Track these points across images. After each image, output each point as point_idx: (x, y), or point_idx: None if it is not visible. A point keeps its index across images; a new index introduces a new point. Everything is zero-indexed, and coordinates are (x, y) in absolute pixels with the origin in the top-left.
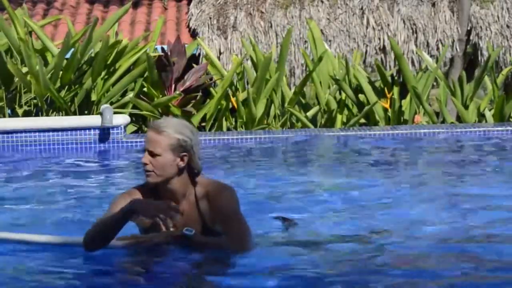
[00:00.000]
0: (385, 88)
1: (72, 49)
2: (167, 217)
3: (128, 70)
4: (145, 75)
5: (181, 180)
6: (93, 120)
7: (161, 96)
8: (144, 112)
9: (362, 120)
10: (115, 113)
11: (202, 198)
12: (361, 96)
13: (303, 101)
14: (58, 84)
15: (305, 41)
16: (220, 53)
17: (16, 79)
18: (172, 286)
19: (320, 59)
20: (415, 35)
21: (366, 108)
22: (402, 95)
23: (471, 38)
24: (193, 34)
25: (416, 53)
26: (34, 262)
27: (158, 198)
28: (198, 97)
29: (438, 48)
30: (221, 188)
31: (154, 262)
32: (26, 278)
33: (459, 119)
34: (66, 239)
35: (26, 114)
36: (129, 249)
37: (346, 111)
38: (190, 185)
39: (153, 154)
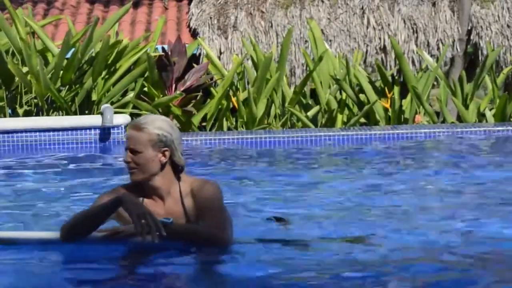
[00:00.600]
0: (386, 88)
1: (73, 49)
2: (150, 226)
3: (128, 70)
4: (145, 75)
5: (164, 176)
6: (93, 120)
7: (161, 96)
8: (144, 112)
9: (363, 120)
10: (115, 113)
11: (186, 195)
12: (361, 96)
13: (304, 101)
14: (58, 84)
15: (306, 41)
16: (221, 53)
17: (16, 79)
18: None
19: (320, 58)
20: (415, 34)
21: (366, 107)
22: (403, 95)
23: (471, 37)
24: (194, 34)
25: (417, 52)
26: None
27: (143, 197)
28: (198, 97)
29: (438, 48)
30: (204, 183)
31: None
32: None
33: (460, 118)
34: (38, 235)
35: (27, 114)
36: (108, 241)
37: (346, 111)
38: (175, 181)
39: (134, 151)
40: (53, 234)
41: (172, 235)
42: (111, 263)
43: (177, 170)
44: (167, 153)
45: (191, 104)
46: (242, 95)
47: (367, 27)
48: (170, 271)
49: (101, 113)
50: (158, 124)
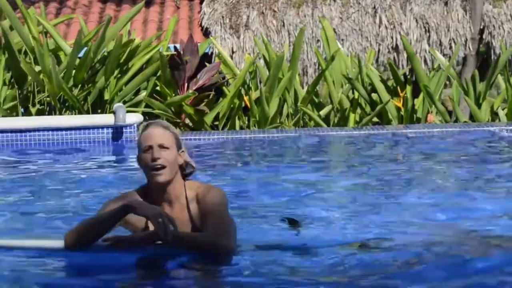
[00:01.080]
0: (398, 87)
1: (85, 48)
2: (166, 223)
3: (141, 69)
4: (158, 74)
5: (176, 181)
6: (106, 119)
7: (174, 95)
8: (157, 111)
9: (375, 119)
10: (128, 112)
11: (192, 201)
12: (374, 95)
13: (316, 100)
14: (71, 83)
15: (318, 40)
16: (233, 52)
17: (29, 78)
18: None
19: (333, 58)
20: (427, 34)
21: (379, 107)
22: (415, 94)
23: (483, 37)
24: (206, 33)
25: (429, 52)
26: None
27: (151, 203)
28: (211, 96)
29: (450, 47)
30: (209, 189)
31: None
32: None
33: (472, 118)
34: (40, 243)
35: (40, 113)
36: (113, 249)
37: (359, 110)
38: (183, 187)
39: (163, 147)
40: (57, 243)
41: (176, 242)
42: (113, 272)
43: (185, 175)
44: (183, 154)
45: (204, 103)
46: (255, 94)
47: (379, 26)
48: (173, 280)
49: (114, 112)
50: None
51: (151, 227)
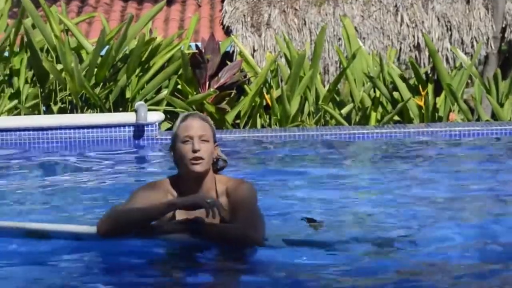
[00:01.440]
0: (420, 86)
1: (107, 47)
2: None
3: (162, 68)
4: (179, 73)
5: (210, 174)
6: (127, 117)
7: (195, 93)
8: (178, 109)
9: (397, 118)
10: (149, 110)
11: (221, 195)
12: (395, 94)
13: (337, 98)
14: (93, 81)
15: (339, 39)
16: (254, 50)
17: (51, 76)
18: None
19: (354, 56)
20: (449, 32)
21: (400, 105)
22: (437, 93)
23: (505, 35)
24: (227, 31)
25: (451, 50)
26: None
27: (180, 193)
28: (232, 95)
29: (472, 46)
30: (239, 183)
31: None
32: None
33: (494, 116)
34: (73, 228)
35: (61, 111)
36: (142, 238)
37: (380, 109)
38: (213, 180)
39: (203, 140)
40: (89, 229)
41: (205, 234)
42: (140, 262)
43: (217, 169)
44: (217, 148)
45: (225, 102)
46: (276, 93)
47: (401, 25)
48: (198, 272)
49: (135, 111)
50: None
51: (179, 218)
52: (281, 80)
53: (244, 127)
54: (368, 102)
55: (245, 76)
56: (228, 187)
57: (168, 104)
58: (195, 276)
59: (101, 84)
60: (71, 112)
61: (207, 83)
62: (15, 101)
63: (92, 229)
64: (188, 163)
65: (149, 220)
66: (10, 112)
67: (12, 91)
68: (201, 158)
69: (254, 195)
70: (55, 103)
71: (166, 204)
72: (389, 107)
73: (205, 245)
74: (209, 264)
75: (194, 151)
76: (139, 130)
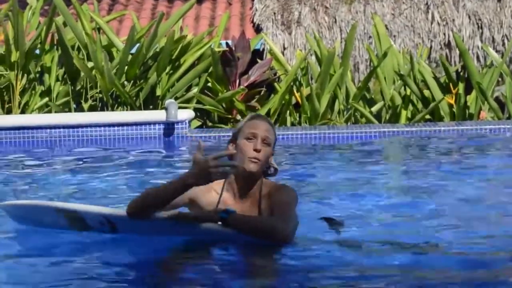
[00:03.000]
0: (450, 84)
1: (138, 44)
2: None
3: (192, 65)
4: (209, 70)
5: (260, 177)
6: (158, 115)
7: (225, 91)
8: (208, 107)
9: (427, 116)
10: (179, 108)
11: (264, 197)
12: (426, 92)
13: (368, 96)
14: (123, 79)
15: (370, 37)
16: (284, 48)
17: (82, 74)
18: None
19: (385, 54)
20: (480, 30)
21: (433, 104)
22: (468, 91)
23: None
24: (257, 29)
25: (482, 48)
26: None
27: (223, 190)
28: (262, 92)
29: (503, 44)
30: (281, 186)
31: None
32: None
33: None
34: (103, 209)
35: (92, 108)
36: (174, 222)
37: (410, 107)
38: (260, 184)
39: (266, 143)
40: (119, 211)
41: (235, 224)
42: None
43: (267, 174)
44: (272, 157)
45: (255, 100)
46: (306, 91)
47: (432, 23)
48: (220, 265)
49: (166, 108)
50: None
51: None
52: (311, 78)
53: (274, 124)
54: (398, 100)
55: (275, 74)
56: (270, 190)
57: (198, 102)
58: (207, 273)
59: (132, 82)
60: (102, 110)
61: (237, 81)
62: (46, 99)
63: (122, 211)
64: (246, 160)
65: (173, 194)
66: (41, 109)
67: (43, 89)
68: (259, 160)
69: (293, 198)
70: (86, 101)
71: (179, 183)
72: (420, 105)
73: (229, 240)
74: (227, 258)
75: (256, 150)
76: (169, 128)
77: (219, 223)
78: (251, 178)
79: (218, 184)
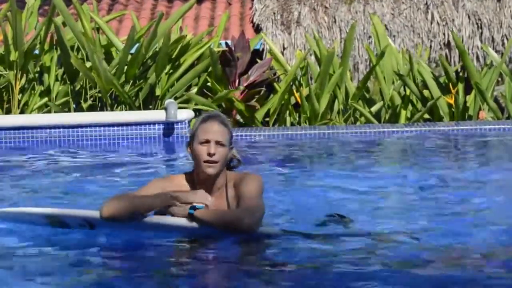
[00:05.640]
0: (450, 84)
1: (137, 44)
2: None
3: (192, 65)
4: (209, 70)
5: (223, 173)
6: (157, 114)
7: (224, 91)
8: (208, 108)
9: (427, 116)
10: (179, 107)
11: (230, 188)
12: (425, 92)
13: (367, 96)
14: (122, 79)
15: (369, 36)
16: (284, 48)
17: (80, 74)
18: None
19: (382, 53)
20: (480, 30)
21: (430, 103)
22: (467, 91)
23: None
24: (257, 29)
25: (481, 48)
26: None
27: (193, 188)
28: (262, 92)
29: (503, 43)
30: (245, 174)
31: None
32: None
33: None
34: (76, 212)
35: (91, 108)
36: (140, 223)
37: (410, 107)
38: (224, 177)
39: (220, 144)
40: (92, 213)
41: (202, 219)
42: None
43: (230, 167)
44: (232, 150)
45: (255, 99)
46: (305, 91)
47: (431, 23)
48: (198, 263)
49: (165, 108)
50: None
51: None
52: (311, 78)
53: (273, 124)
54: (398, 100)
55: (274, 74)
56: (235, 180)
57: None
58: (193, 270)
59: (131, 81)
60: (101, 109)
61: (237, 81)
62: (46, 99)
63: (96, 213)
64: (202, 164)
65: (149, 209)
66: (40, 109)
67: (43, 89)
68: (215, 162)
69: (259, 185)
70: (85, 101)
71: (169, 196)
72: (419, 105)
73: (206, 234)
74: (208, 256)
75: (210, 155)
76: (169, 127)
77: (187, 218)
78: (214, 177)
79: (186, 184)
